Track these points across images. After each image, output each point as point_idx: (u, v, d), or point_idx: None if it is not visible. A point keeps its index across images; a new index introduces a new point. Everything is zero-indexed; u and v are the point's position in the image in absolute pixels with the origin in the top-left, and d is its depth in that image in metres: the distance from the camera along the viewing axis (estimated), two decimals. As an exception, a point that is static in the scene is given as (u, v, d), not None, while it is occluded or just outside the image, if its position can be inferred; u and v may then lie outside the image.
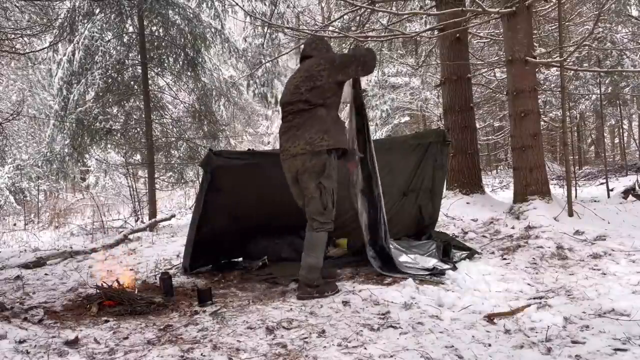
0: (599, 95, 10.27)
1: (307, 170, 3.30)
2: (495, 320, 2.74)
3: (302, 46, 3.64)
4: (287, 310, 3.02)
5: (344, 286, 3.47)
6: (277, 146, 3.68)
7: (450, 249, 4.13)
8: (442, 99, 8.06)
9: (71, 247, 6.03)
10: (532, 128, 5.39)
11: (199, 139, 10.42)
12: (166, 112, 10.70)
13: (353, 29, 8.20)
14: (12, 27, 6.91)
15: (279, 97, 18.44)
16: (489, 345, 2.43)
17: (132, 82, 9.93)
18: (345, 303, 3.10)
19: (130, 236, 7.05)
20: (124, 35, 9.84)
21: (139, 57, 9.54)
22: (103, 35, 9.53)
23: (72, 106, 9.34)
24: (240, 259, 4.71)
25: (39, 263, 5.11)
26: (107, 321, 2.97)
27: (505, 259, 4.07)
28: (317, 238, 3.38)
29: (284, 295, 3.45)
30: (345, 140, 3.50)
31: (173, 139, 10.53)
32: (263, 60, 12.39)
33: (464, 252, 4.20)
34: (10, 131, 15.23)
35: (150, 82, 9.74)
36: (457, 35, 6.57)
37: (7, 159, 13.12)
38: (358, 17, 8.23)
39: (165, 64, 10.08)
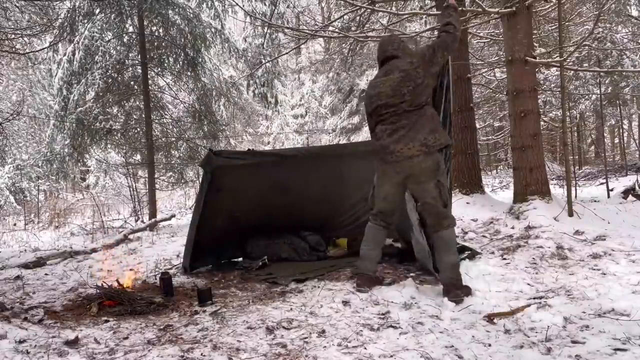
0: (599, 95, 10.26)
1: (423, 171, 3.21)
2: (495, 320, 2.74)
3: (381, 47, 3.48)
4: (287, 310, 3.02)
5: (344, 286, 3.47)
6: (278, 146, 3.65)
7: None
8: (442, 99, 8.04)
9: (71, 247, 6.03)
10: (532, 128, 5.39)
11: (199, 139, 10.42)
12: (166, 112, 10.70)
13: (353, 29, 8.19)
14: (12, 27, 6.91)
15: (279, 97, 18.45)
16: (489, 345, 2.43)
17: (132, 82, 9.93)
18: (345, 303, 3.10)
19: (130, 236, 7.06)
20: (124, 35, 9.83)
21: (139, 57, 9.54)
22: (103, 35, 9.52)
23: (72, 106, 9.34)
24: (240, 259, 4.71)
25: (39, 263, 5.11)
26: (107, 321, 2.97)
27: (505, 259, 4.07)
28: (451, 235, 3.30)
29: (284, 295, 3.45)
30: (448, 135, 3.46)
31: (173, 139, 10.53)
32: (263, 60, 12.39)
33: (464, 253, 4.19)
34: (10, 131, 15.22)
35: (150, 82, 9.74)
36: (457, 35, 6.56)
37: (7, 159, 13.11)
38: (358, 17, 8.23)
39: (165, 64, 10.08)
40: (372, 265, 3.48)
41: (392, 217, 3.53)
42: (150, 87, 9.67)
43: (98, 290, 3.43)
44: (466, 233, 5.21)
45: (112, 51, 9.68)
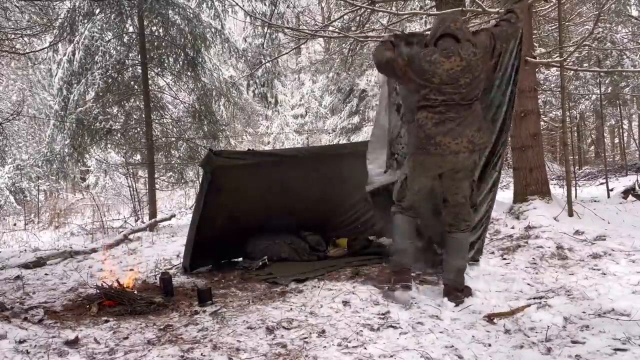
0: (599, 95, 10.26)
1: (464, 169, 3.12)
2: (495, 320, 2.74)
3: (442, 21, 3.20)
4: (287, 310, 3.02)
5: (344, 286, 3.47)
6: (278, 146, 3.65)
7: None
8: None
9: (71, 247, 6.03)
10: (532, 128, 5.39)
11: (199, 139, 10.42)
12: (166, 112, 10.69)
13: (353, 29, 8.19)
14: (12, 27, 6.91)
15: (279, 97, 18.40)
16: (489, 345, 2.43)
17: (132, 82, 9.92)
18: (345, 303, 3.10)
19: (130, 236, 7.05)
20: (124, 35, 9.83)
21: (139, 57, 9.53)
22: (103, 35, 9.52)
23: (72, 106, 9.34)
24: (240, 259, 4.72)
25: (39, 263, 5.11)
26: (107, 321, 2.97)
27: (505, 259, 4.07)
28: (466, 239, 3.24)
29: (284, 295, 3.45)
30: (490, 135, 3.38)
31: (173, 139, 10.52)
32: (263, 60, 12.40)
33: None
34: (10, 131, 15.20)
35: (150, 82, 9.73)
36: (457, 35, 6.56)
37: (7, 159, 13.10)
38: (358, 17, 8.22)
39: (165, 64, 10.07)
40: (411, 259, 3.33)
41: (419, 210, 3.41)
42: (150, 87, 9.66)
43: (98, 290, 3.43)
44: (466, 233, 5.21)
45: (112, 51, 9.68)
